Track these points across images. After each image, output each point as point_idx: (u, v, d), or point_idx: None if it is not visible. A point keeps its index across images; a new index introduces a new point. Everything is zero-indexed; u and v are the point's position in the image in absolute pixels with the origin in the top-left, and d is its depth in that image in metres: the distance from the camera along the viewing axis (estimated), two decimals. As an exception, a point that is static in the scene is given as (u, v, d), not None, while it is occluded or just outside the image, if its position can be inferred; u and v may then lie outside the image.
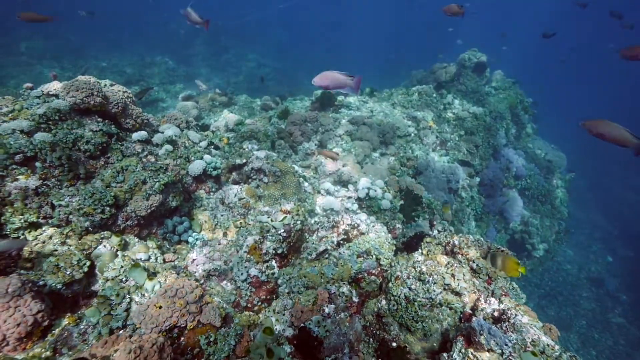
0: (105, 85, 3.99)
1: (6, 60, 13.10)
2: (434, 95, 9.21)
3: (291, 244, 3.20)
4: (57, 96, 3.68)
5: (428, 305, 2.54)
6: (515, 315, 2.27)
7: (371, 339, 2.63)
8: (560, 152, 11.68)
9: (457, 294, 2.58)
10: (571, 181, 11.61)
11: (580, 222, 15.90)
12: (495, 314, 2.42)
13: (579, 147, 21.06)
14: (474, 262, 2.93)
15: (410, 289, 2.59)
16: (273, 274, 2.99)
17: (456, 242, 3.15)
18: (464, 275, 2.63)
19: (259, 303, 2.94)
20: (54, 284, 2.52)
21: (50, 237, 2.85)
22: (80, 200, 3.04)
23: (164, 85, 14.37)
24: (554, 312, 11.00)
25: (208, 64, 19.12)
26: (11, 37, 15.12)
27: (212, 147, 5.16)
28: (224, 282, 3.11)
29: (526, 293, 11.52)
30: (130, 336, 1.90)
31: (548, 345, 2.13)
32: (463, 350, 2.17)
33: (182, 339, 2.47)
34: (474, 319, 2.25)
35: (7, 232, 2.72)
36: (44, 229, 2.88)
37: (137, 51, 18.13)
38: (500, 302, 2.49)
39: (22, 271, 2.68)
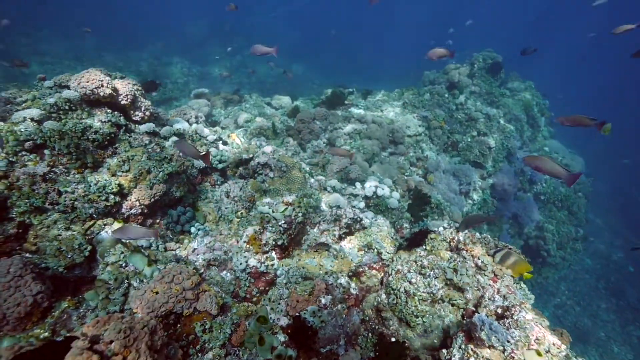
0: (116, 77, 4.07)
1: (29, 60, 13.59)
2: (446, 95, 9.05)
3: (292, 236, 3.16)
4: (68, 87, 3.77)
5: (429, 300, 2.45)
6: (520, 311, 2.16)
7: (370, 334, 2.55)
8: (577, 155, 11.29)
9: (460, 289, 2.48)
10: (590, 186, 11.17)
11: (599, 230, 15.26)
12: (499, 310, 2.31)
13: (598, 151, 20.30)
14: (479, 258, 2.82)
15: (410, 282, 2.51)
16: (272, 265, 2.95)
17: (461, 239, 3.05)
18: (467, 270, 2.53)
19: (258, 294, 2.91)
20: (55, 267, 2.56)
21: (55, 222, 2.90)
22: (86, 187, 3.09)
23: (177, 84, 14.64)
24: (571, 322, 10.57)
25: (222, 64, 19.39)
26: (33, 38, 15.71)
27: (221, 142, 5.19)
28: (224, 272, 3.10)
29: (541, 302, 11.05)
30: (123, 317, 1.90)
31: (554, 344, 2.02)
32: (463, 346, 2.08)
33: (179, 325, 2.46)
34: (475, 314, 2.16)
35: (13, 216, 2.78)
36: (49, 213, 2.93)
37: (153, 52, 18.57)
38: (505, 299, 2.38)
39: (26, 254, 2.74)
